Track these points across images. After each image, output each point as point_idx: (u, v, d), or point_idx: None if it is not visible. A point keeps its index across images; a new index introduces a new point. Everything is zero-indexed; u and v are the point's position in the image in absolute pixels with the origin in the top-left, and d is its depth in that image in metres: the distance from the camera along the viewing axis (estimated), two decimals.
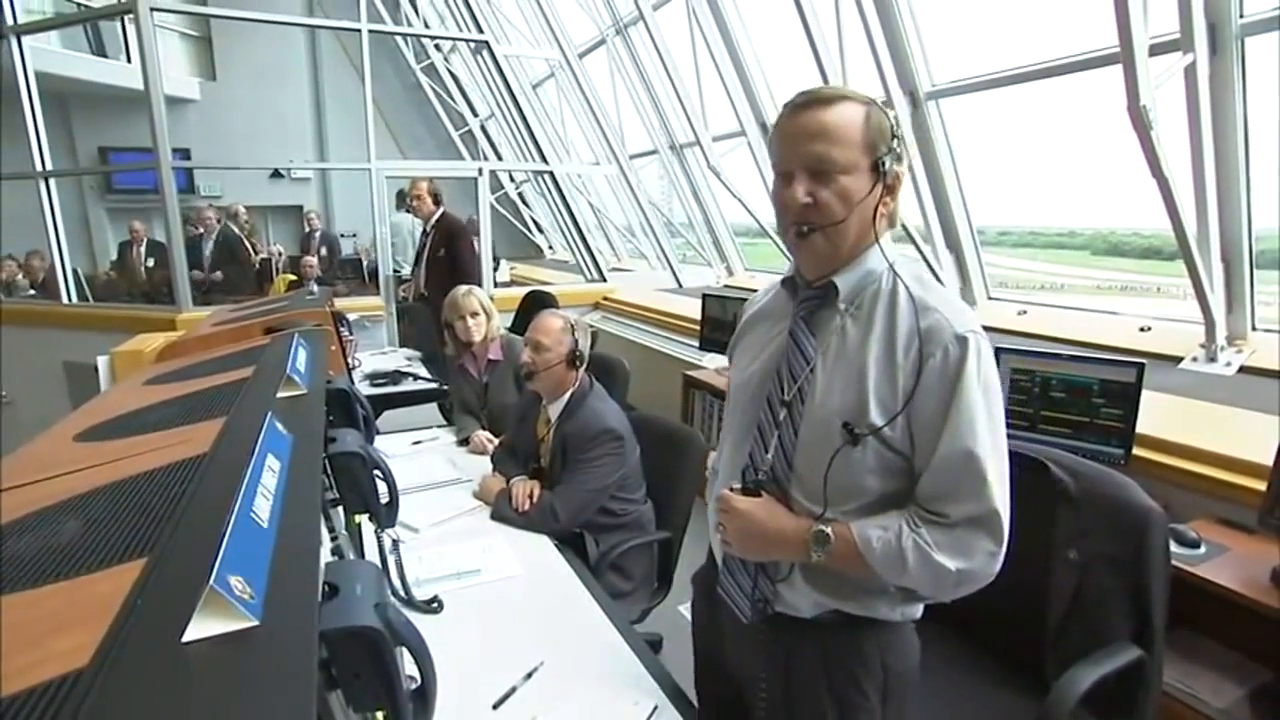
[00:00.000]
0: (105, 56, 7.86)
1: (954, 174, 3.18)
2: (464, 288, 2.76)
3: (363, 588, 0.56)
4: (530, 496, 1.89)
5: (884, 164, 0.94)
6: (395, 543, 1.42)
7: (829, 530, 0.94)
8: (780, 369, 1.02)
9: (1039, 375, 2.16)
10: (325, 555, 0.89)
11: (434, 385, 3.38)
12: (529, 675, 1.22)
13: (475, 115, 9.12)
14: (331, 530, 1.01)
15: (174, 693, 0.37)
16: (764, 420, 1.03)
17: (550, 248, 9.34)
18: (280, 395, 0.96)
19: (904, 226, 3.25)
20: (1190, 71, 2.13)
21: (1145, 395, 1.94)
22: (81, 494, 0.68)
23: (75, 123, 7.97)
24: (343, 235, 8.89)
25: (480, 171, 5.26)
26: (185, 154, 7.36)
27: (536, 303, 4.16)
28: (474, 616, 1.43)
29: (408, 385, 3.39)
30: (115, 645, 0.39)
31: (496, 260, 7.71)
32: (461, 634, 1.36)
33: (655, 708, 1.14)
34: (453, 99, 9.49)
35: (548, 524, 1.83)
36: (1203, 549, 1.61)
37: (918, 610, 1.05)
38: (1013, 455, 1.53)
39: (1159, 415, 2.03)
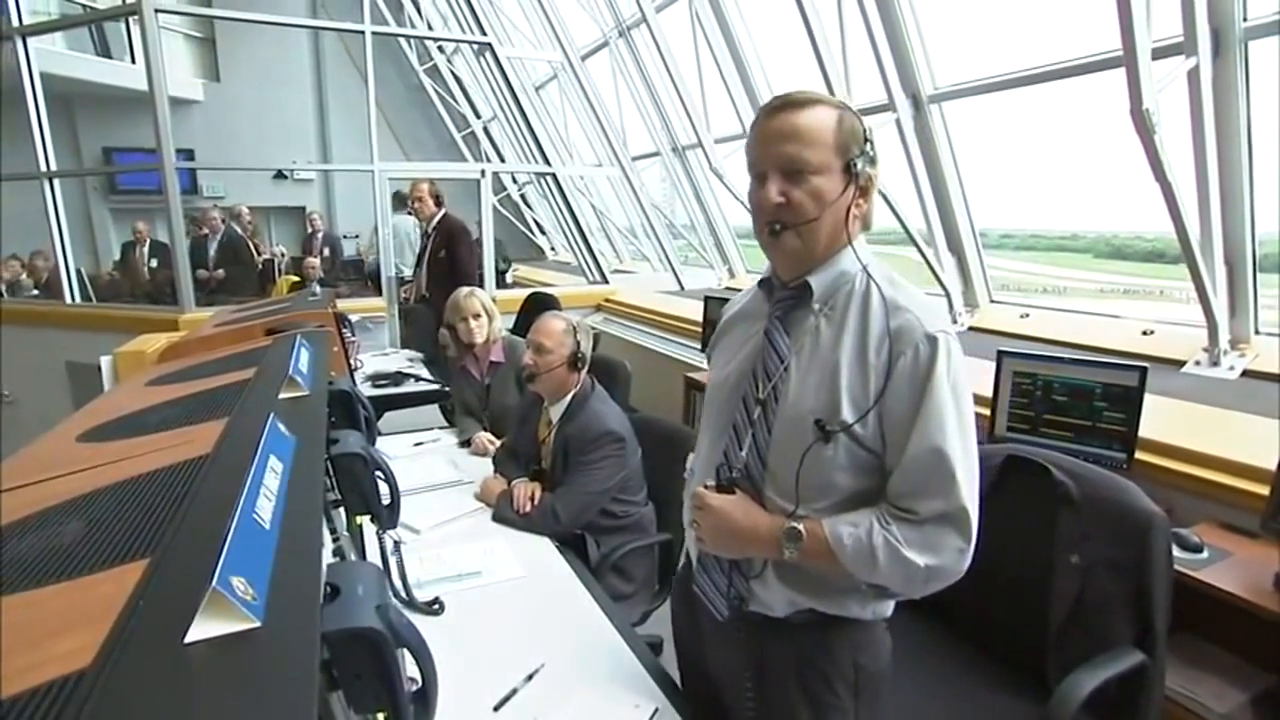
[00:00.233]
0: (110, 58, 7.89)
1: (956, 177, 3.18)
2: (466, 289, 2.76)
3: (364, 589, 0.56)
4: (531, 498, 1.89)
5: (856, 166, 0.96)
6: (397, 544, 1.42)
7: (801, 527, 0.96)
8: (756, 368, 1.04)
9: (1041, 378, 2.16)
10: (327, 556, 0.89)
11: (435, 387, 3.38)
12: (530, 677, 1.22)
13: (478, 117, 9.13)
14: (333, 531, 1.01)
15: (176, 694, 0.37)
16: (739, 418, 1.05)
17: (552, 249, 9.35)
18: (282, 396, 0.96)
19: (906, 229, 3.25)
20: (1193, 75, 2.12)
21: (1147, 399, 1.93)
22: (84, 494, 0.68)
23: (80, 123, 8.00)
24: (345, 236, 8.92)
25: (483, 173, 5.27)
26: (189, 155, 7.37)
27: (538, 304, 4.17)
28: (475, 618, 1.43)
29: (409, 386, 3.40)
30: (118, 646, 0.39)
31: (508, 262, 7.75)
32: (462, 636, 1.36)
33: (656, 710, 1.14)
34: (455, 100, 9.51)
35: (549, 526, 1.83)
36: (1205, 553, 1.60)
37: (888, 609, 1.07)
38: (1014, 458, 1.55)
39: (1161, 419, 2.02)
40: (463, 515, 1.94)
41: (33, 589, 0.49)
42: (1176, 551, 1.48)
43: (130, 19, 5.49)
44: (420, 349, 4.15)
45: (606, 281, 5.76)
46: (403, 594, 1.41)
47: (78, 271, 4.97)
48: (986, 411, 2.34)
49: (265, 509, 0.55)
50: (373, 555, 1.32)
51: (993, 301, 3.38)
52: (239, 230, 6.67)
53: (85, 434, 0.97)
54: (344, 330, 2.42)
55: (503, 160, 8.42)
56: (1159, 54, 2.08)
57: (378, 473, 1.08)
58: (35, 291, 6.17)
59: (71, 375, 4.43)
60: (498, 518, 1.90)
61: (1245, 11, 2.11)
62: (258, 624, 0.41)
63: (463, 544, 1.76)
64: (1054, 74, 2.71)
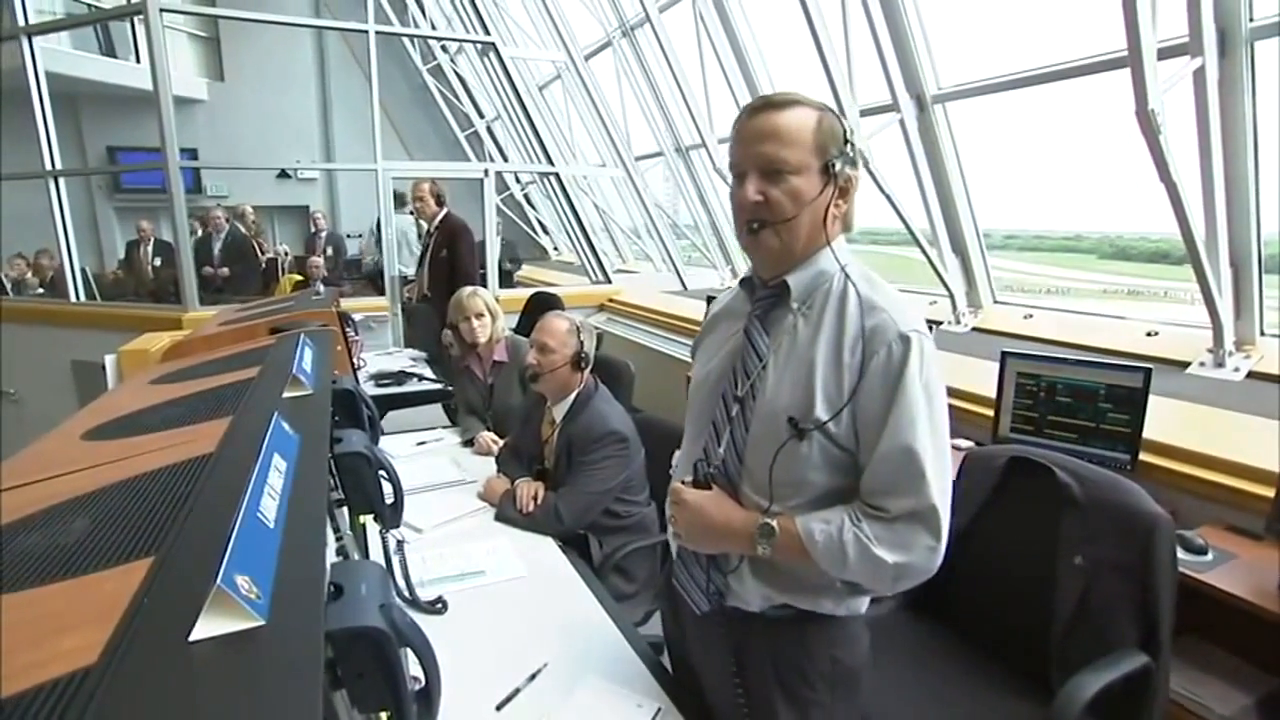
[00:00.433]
0: (115, 57, 7.91)
1: (960, 177, 3.17)
2: (469, 289, 2.76)
3: (368, 588, 0.56)
4: (535, 498, 1.89)
5: (834, 166, 0.98)
6: (400, 543, 1.42)
7: (774, 523, 0.97)
8: (736, 366, 1.06)
9: (1045, 379, 2.16)
10: (330, 555, 0.89)
11: (438, 386, 3.39)
12: (533, 677, 1.23)
13: (481, 116, 9.14)
14: (336, 530, 1.01)
15: (181, 691, 0.37)
16: (719, 415, 1.07)
17: (555, 249, 9.35)
18: (286, 395, 0.96)
19: (910, 229, 3.24)
20: (1199, 75, 2.12)
21: (1152, 400, 1.93)
22: (89, 492, 0.68)
23: (85, 122, 8.03)
24: (349, 236, 8.93)
25: (486, 173, 5.27)
26: (193, 154, 7.40)
27: (541, 304, 4.16)
28: (478, 618, 1.43)
29: (412, 386, 3.40)
30: (123, 643, 0.39)
31: (517, 262, 7.75)
32: (465, 635, 1.36)
33: (659, 710, 1.14)
34: (459, 100, 9.51)
35: (552, 525, 1.83)
36: (1210, 556, 1.60)
37: (863, 605, 1.08)
38: (1018, 460, 1.55)
39: (1166, 420, 2.02)
40: (465, 515, 1.94)
41: (40, 586, 0.49)
42: (1181, 554, 1.47)
43: (135, 18, 5.50)
44: (423, 348, 4.16)
45: (610, 281, 5.75)
46: (406, 593, 1.41)
47: (82, 270, 4.98)
48: (990, 412, 2.34)
49: (269, 508, 0.55)
50: (376, 554, 1.32)
51: (996, 302, 3.37)
52: (243, 229, 6.69)
53: (90, 432, 0.97)
54: (347, 329, 2.42)
55: (506, 160, 8.43)
56: (1164, 54, 2.07)
57: (381, 472, 1.08)
58: (40, 290, 6.20)
59: (76, 373, 4.44)
60: (500, 517, 1.90)
61: (1252, 11, 2.10)
62: (262, 623, 0.41)
63: (466, 543, 1.76)
64: (1058, 74, 2.70)
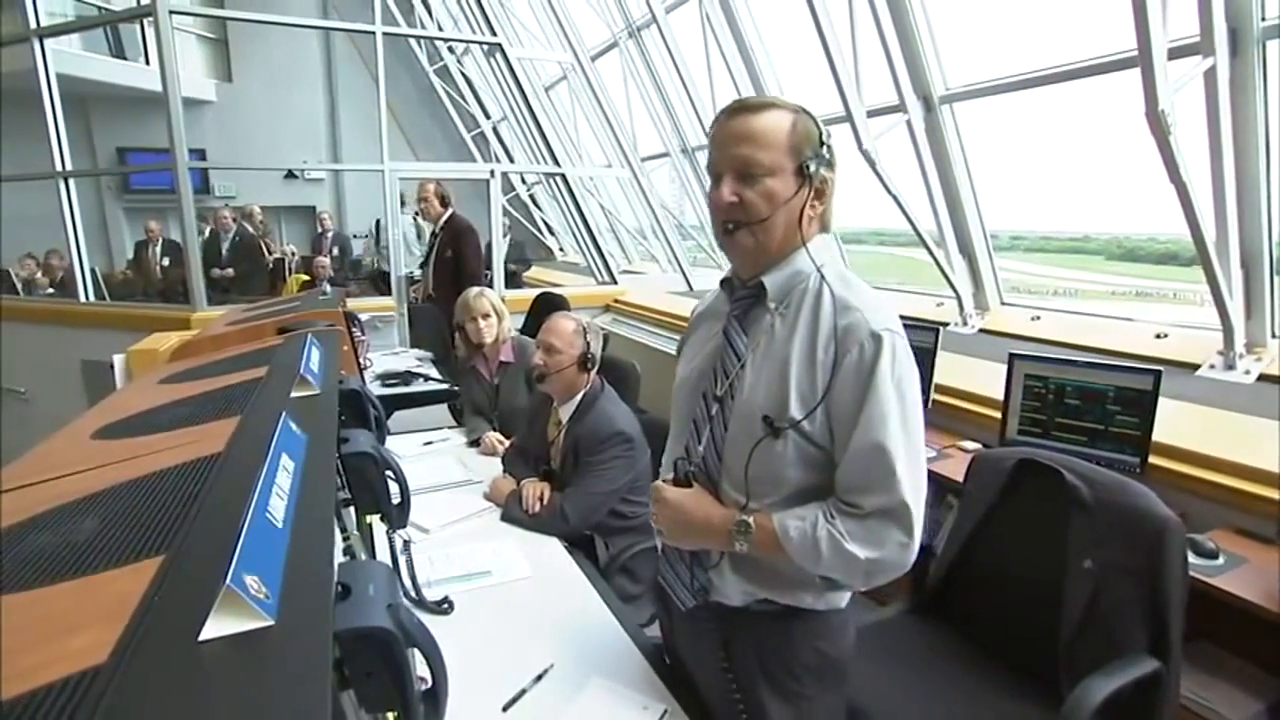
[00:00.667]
0: (124, 59, 7.96)
1: (967, 178, 3.16)
2: (475, 289, 2.77)
3: (375, 588, 0.56)
4: (541, 498, 1.89)
5: (809, 168, 0.99)
6: (406, 543, 1.42)
7: (750, 520, 1.00)
8: (716, 366, 1.08)
9: (1053, 382, 2.15)
10: (337, 555, 0.89)
11: (444, 386, 3.39)
12: (539, 677, 1.22)
13: (488, 117, 9.15)
14: (343, 530, 1.01)
15: (191, 691, 0.37)
16: (699, 414, 1.09)
17: (561, 250, 9.35)
18: (294, 395, 0.96)
19: (916, 231, 3.23)
20: (1210, 75, 2.10)
21: (1161, 403, 1.91)
22: (99, 491, 0.68)
23: (94, 124, 8.07)
24: (355, 236, 8.96)
25: (492, 173, 5.28)
26: (201, 155, 7.44)
27: (547, 305, 4.17)
28: (484, 618, 1.44)
29: (418, 386, 3.41)
30: (133, 643, 0.39)
31: (527, 263, 7.76)
32: (471, 635, 1.36)
33: (665, 711, 1.14)
34: (465, 101, 9.53)
35: (558, 526, 1.83)
36: (1221, 560, 1.59)
37: (843, 600, 1.10)
38: (1026, 462, 1.54)
39: (1175, 423, 2.00)
40: (472, 515, 1.94)
41: (50, 584, 0.49)
42: (1191, 558, 1.46)
43: (145, 20, 5.53)
44: (428, 349, 4.17)
45: (615, 282, 5.75)
46: (412, 593, 1.42)
47: (92, 270, 5.01)
48: (998, 415, 2.33)
49: (278, 508, 0.55)
50: (382, 554, 1.32)
51: (1004, 304, 3.36)
52: (250, 230, 6.72)
53: (99, 431, 0.97)
54: (354, 329, 2.42)
55: (512, 161, 8.43)
56: (1175, 54, 2.06)
57: (388, 472, 1.08)
58: (51, 290, 6.24)
59: (85, 373, 4.47)
60: (507, 517, 1.91)
61: (1263, 11, 2.08)
62: (271, 623, 0.41)
63: (472, 543, 1.76)
64: (1067, 75, 2.68)
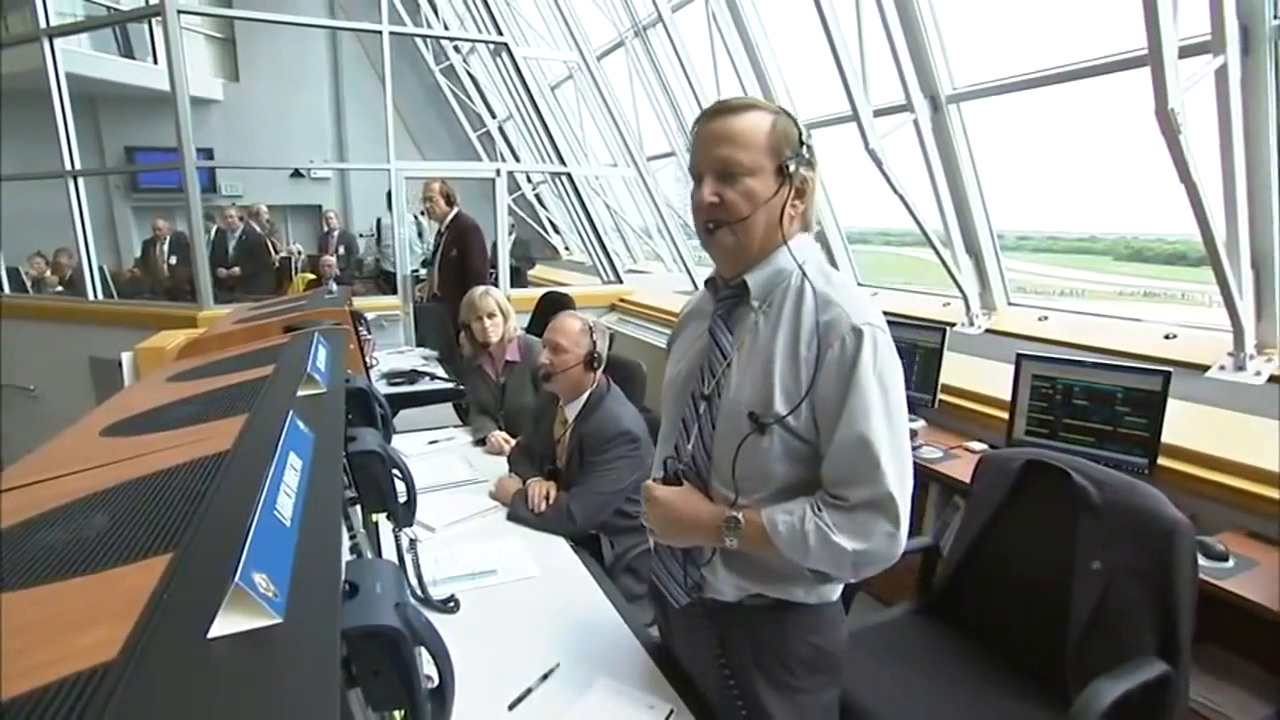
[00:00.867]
0: (133, 58, 8.00)
1: (974, 178, 3.14)
2: (481, 288, 2.77)
3: (382, 587, 0.56)
4: (546, 497, 1.89)
5: (789, 168, 1.01)
6: (412, 542, 1.42)
7: (740, 516, 1.01)
8: (703, 365, 1.10)
9: (1061, 382, 2.13)
10: (345, 554, 0.89)
11: (450, 385, 3.40)
12: (545, 677, 1.22)
13: (493, 116, 9.16)
14: (350, 529, 1.02)
15: (200, 689, 0.37)
16: (687, 413, 1.11)
17: (566, 249, 9.35)
18: (301, 393, 0.96)
19: (923, 230, 3.22)
20: (1221, 74, 2.08)
21: (1169, 404, 1.90)
22: (108, 489, 0.68)
23: (103, 123, 8.12)
24: (360, 235, 8.99)
25: (498, 173, 5.28)
26: (208, 154, 7.47)
27: (553, 304, 4.16)
28: (490, 617, 1.44)
29: (424, 385, 3.41)
30: (143, 639, 0.40)
31: (532, 261, 7.77)
32: (477, 634, 1.36)
33: (672, 711, 1.14)
34: (471, 100, 9.54)
35: (563, 525, 1.83)
36: (1231, 562, 1.57)
37: (834, 592, 1.11)
38: (1034, 463, 1.53)
39: (1184, 424, 1.99)
40: (477, 514, 1.94)
41: (60, 581, 0.50)
42: (1201, 560, 1.45)
43: (153, 20, 5.56)
44: (433, 348, 4.17)
45: (621, 281, 5.75)
46: (418, 592, 1.42)
47: (100, 268, 5.04)
48: (1004, 415, 2.32)
49: (286, 506, 0.55)
50: (388, 553, 1.33)
51: (1010, 304, 3.34)
52: (257, 228, 6.74)
53: (108, 429, 0.98)
54: (360, 328, 2.43)
55: (518, 160, 8.44)
56: (1185, 52, 2.04)
57: (394, 470, 1.08)
58: (60, 288, 6.28)
59: (94, 370, 4.49)
60: (512, 517, 1.91)
61: (1276, 9, 2.06)
62: (279, 620, 0.41)
63: (478, 542, 1.77)
64: (1076, 74, 2.67)
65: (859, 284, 4.24)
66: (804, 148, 1.02)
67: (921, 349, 2.67)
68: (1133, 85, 2.37)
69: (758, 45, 4.06)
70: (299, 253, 7.68)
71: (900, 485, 0.96)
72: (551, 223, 9.52)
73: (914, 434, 2.51)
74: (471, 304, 2.72)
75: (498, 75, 7.20)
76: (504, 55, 5.75)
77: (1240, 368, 2.33)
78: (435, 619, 1.32)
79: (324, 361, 1.11)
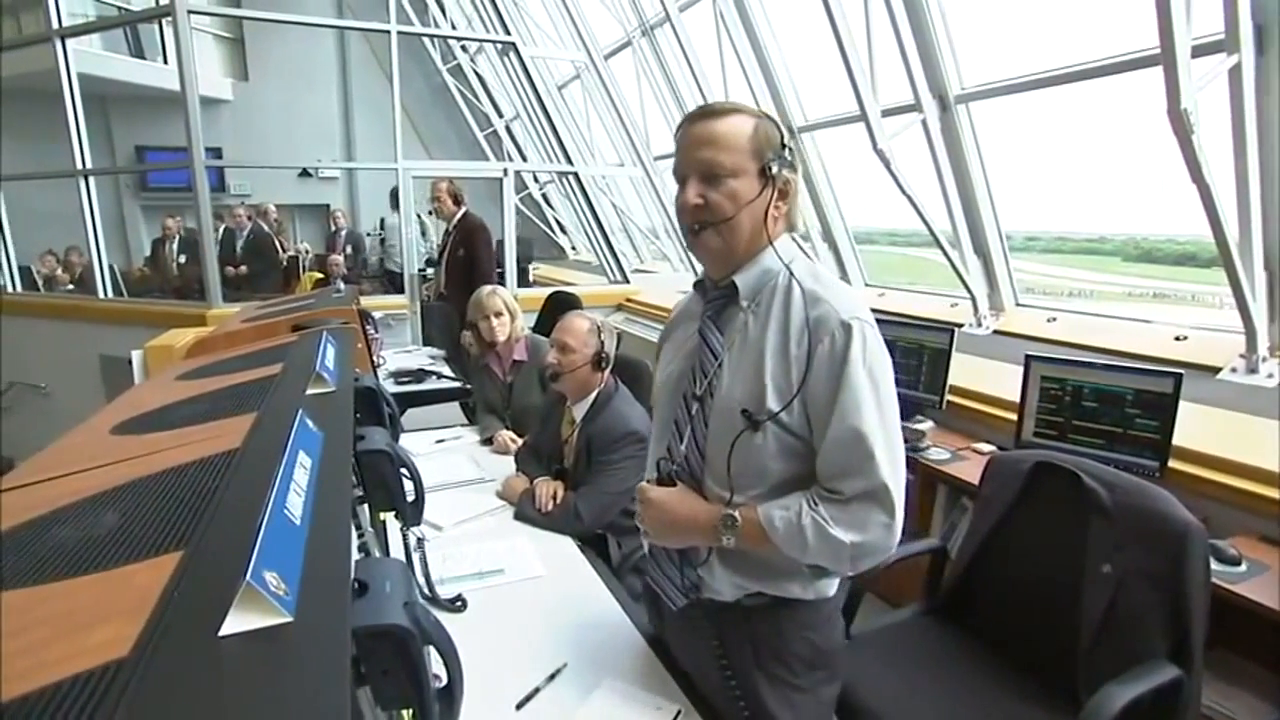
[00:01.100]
0: (143, 58, 8.06)
1: (983, 178, 3.13)
2: (488, 288, 2.77)
3: (392, 586, 0.56)
4: (554, 497, 1.89)
5: (771, 169, 1.02)
6: (420, 541, 1.42)
7: (736, 514, 1.02)
8: (694, 366, 1.11)
9: (1070, 384, 2.12)
10: (353, 553, 0.89)
11: (457, 384, 3.40)
12: (552, 676, 1.22)
13: (501, 116, 9.18)
14: (358, 527, 1.02)
15: (211, 686, 0.37)
16: (680, 414, 1.12)
17: (573, 248, 9.36)
18: (309, 392, 0.96)
19: (931, 231, 3.20)
20: (1235, 73, 2.06)
21: (1180, 406, 1.88)
22: (118, 486, 0.69)
23: (113, 122, 8.18)
24: (368, 234, 9.02)
25: (505, 172, 5.29)
26: (217, 153, 7.51)
27: (560, 304, 4.17)
28: (497, 616, 1.44)
29: (431, 384, 3.42)
30: (154, 637, 0.40)
31: (531, 259, 7.76)
32: (485, 633, 1.36)
33: (679, 712, 1.14)
34: (478, 100, 9.56)
35: (571, 525, 1.83)
36: (1243, 566, 1.56)
37: (830, 588, 1.12)
38: (1043, 465, 1.52)
39: (1195, 427, 1.97)
40: (485, 513, 1.95)
41: (71, 578, 0.50)
42: (1213, 564, 1.44)
43: (163, 20, 5.59)
44: (440, 347, 4.18)
45: (628, 281, 5.75)
46: (426, 591, 1.42)
47: (110, 267, 5.08)
48: (1013, 416, 2.30)
49: (295, 504, 0.55)
50: (396, 552, 1.33)
51: (1019, 305, 3.32)
52: (265, 227, 6.78)
53: (118, 427, 0.98)
54: (367, 327, 2.44)
55: (525, 159, 8.46)
56: (1198, 51, 2.02)
57: (402, 469, 1.08)
58: (70, 286, 6.33)
59: (104, 368, 4.53)
60: (520, 516, 1.91)
61: None
62: (289, 619, 0.41)
63: (485, 542, 1.77)
64: (1085, 74, 2.65)
65: (866, 284, 4.23)
66: (786, 150, 1.04)
67: (929, 350, 2.66)
68: (1139, 85, 2.35)
69: (765, 45, 4.05)
70: (307, 252, 7.72)
71: (894, 476, 0.97)
72: (558, 222, 9.53)
73: (922, 435, 2.50)
74: (479, 303, 2.72)
75: (505, 75, 7.23)
76: (511, 55, 5.76)
77: (1253, 370, 2.31)
78: (442, 618, 1.32)
79: (332, 360, 1.11)
